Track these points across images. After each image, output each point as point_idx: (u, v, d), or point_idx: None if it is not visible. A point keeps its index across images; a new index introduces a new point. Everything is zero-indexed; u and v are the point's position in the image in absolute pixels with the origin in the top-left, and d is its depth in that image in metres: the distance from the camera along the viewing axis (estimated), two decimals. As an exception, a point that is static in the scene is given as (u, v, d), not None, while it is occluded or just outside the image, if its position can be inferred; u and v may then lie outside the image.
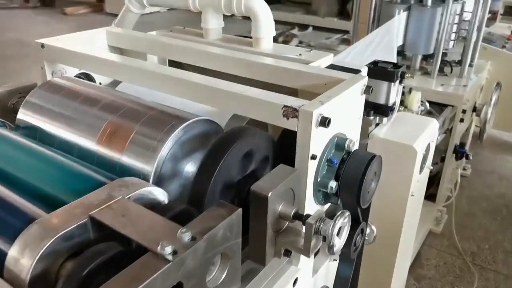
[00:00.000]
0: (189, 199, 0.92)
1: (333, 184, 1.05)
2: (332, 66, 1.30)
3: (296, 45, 5.93)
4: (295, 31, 6.42)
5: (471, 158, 2.83)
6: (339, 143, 1.08)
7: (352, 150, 1.08)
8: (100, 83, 1.64)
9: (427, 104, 2.07)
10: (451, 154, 2.78)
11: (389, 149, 1.68)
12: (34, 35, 1.89)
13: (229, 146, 0.92)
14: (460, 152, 2.78)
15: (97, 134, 1.08)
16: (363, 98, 1.20)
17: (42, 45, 1.44)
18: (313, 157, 1.01)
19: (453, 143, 2.74)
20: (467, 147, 3.16)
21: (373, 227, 1.36)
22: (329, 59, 1.39)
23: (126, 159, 1.03)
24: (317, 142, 1.01)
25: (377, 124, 1.76)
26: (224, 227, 0.77)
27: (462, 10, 2.79)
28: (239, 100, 1.06)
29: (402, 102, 1.98)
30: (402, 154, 1.67)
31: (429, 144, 1.80)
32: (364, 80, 1.17)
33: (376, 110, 1.74)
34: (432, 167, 1.92)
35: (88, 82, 1.33)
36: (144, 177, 0.99)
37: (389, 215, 1.75)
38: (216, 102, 1.12)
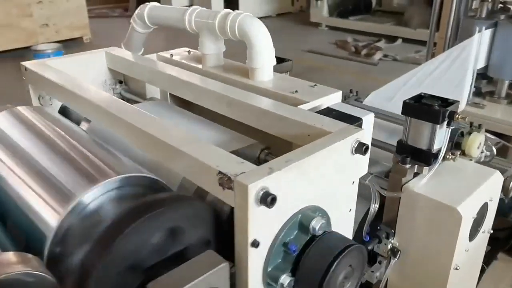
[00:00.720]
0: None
1: (285, 280, 0.77)
2: (327, 110, 1.01)
3: (380, 59, 5.49)
4: (381, 43, 5.94)
5: None
6: (303, 223, 0.80)
7: (320, 233, 0.79)
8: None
9: (494, 149, 1.65)
10: (539, 204, 2.26)
11: (427, 208, 1.33)
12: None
13: (125, 227, 0.69)
14: (551, 202, 2.25)
15: (20, 179, 0.92)
16: (359, 157, 0.90)
17: (25, 68, 1.33)
18: (255, 244, 0.74)
19: (541, 190, 2.22)
20: None
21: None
22: (334, 98, 1.09)
23: (34, 213, 0.85)
24: (261, 224, 0.74)
25: (416, 174, 1.41)
26: None
27: None
28: (173, 154, 0.83)
29: (458, 145, 1.60)
30: (443, 217, 1.31)
31: (485, 205, 1.41)
32: (357, 135, 0.87)
33: (415, 156, 1.39)
34: (492, 231, 1.51)
35: (52, 115, 1.18)
36: (45, 241, 0.80)
37: (426, 291, 1.39)
38: (153, 152, 0.90)
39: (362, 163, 0.91)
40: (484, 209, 1.41)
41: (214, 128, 1.20)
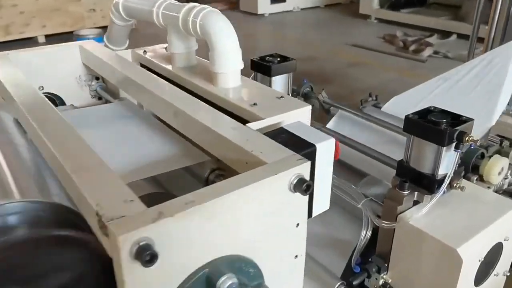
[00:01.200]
0: None
1: None
2: (279, 132, 0.82)
3: (430, 56, 5.11)
4: (433, 38, 5.51)
5: None
6: (211, 279, 0.63)
7: (230, 296, 0.63)
8: (72, 105, 1.42)
9: (520, 176, 1.39)
10: None
11: (423, 245, 1.12)
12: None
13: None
14: None
15: None
16: (300, 196, 0.71)
17: (-17, 63, 1.23)
18: (135, 307, 0.59)
19: None
20: None
21: None
22: (298, 114, 0.90)
23: None
24: (143, 283, 0.58)
25: (415, 202, 1.19)
26: None
27: None
28: (67, 180, 0.69)
29: (476, 169, 1.35)
30: (441, 258, 1.09)
31: (499, 245, 1.17)
32: (299, 168, 0.69)
33: (415, 181, 1.18)
34: (509, 273, 1.27)
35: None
36: None
37: None
38: (58, 173, 0.76)
39: (302, 203, 0.73)
40: (497, 249, 1.17)
41: (172, 140, 1.05)
